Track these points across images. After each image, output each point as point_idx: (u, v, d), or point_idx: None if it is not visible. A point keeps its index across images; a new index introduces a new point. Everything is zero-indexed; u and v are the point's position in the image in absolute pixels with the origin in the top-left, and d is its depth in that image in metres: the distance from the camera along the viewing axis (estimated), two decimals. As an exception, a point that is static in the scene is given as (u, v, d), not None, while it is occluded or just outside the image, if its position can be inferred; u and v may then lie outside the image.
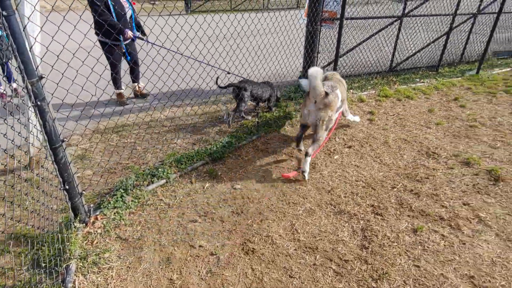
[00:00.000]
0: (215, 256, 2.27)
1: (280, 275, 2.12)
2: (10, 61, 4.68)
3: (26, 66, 1.88)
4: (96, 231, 2.45)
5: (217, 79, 4.01)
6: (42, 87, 1.99)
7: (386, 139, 3.84)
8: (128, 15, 4.41)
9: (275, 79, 5.66)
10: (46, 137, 2.09)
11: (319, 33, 4.85)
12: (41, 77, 1.98)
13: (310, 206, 2.76)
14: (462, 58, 6.95)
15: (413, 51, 6.26)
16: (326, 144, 3.72)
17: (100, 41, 4.32)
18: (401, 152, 3.58)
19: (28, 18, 2.24)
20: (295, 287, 2.04)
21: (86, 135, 3.90)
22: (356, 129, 4.13)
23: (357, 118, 4.19)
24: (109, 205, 2.65)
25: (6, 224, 2.45)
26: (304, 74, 4.99)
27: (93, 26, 3.91)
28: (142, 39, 4.38)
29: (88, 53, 2.65)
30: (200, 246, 2.35)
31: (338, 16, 4.77)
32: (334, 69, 4.68)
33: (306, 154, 3.09)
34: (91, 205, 2.62)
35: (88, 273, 2.10)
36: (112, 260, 2.21)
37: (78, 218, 2.44)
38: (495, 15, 6.02)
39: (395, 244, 2.34)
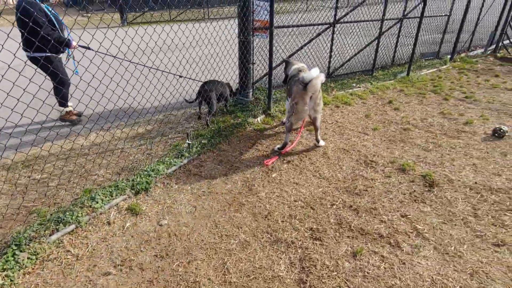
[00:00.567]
0: (128, 319, 1.88)
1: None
2: None
3: None
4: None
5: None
6: None
7: (325, 150, 3.72)
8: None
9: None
10: None
11: (252, 43, 4.66)
12: None
13: (244, 238, 2.48)
14: (393, 61, 7.27)
15: (349, 57, 6.38)
16: (263, 159, 3.48)
17: (34, 58, 3.78)
18: (340, 163, 3.47)
19: None
20: None
21: (-19, 175, 3.25)
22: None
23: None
24: (-5, 268, 2.13)
25: None
26: (246, 88, 4.82)
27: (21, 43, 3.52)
28: (89, 49, 3.76)
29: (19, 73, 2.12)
30: (110, 308, 1.94)
31: (270, 25, 4.62)
32: (269, 81, 4.51)
33: (318, 142, 3.80)
34: (-31, 272, 2.08)
35: None
36: None
37: None
38: (418, 20, 6.36)
39: (335, 273, 2.14)
